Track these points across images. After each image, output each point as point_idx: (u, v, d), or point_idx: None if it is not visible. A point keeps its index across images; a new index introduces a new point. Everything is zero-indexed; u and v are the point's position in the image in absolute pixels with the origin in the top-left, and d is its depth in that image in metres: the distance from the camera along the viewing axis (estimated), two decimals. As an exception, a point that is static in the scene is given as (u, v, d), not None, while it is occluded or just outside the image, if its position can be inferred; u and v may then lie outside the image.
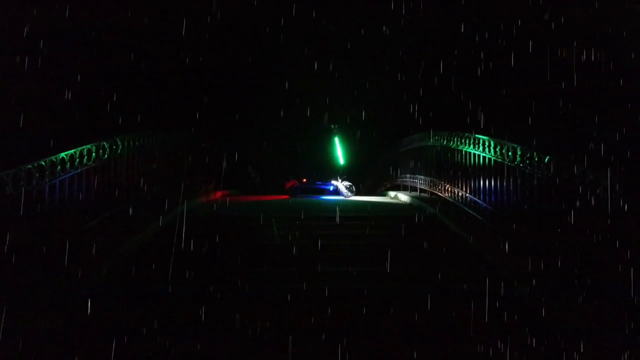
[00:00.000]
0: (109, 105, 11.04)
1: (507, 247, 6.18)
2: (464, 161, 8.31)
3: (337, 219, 8.28)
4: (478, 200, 7.76)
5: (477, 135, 7.77)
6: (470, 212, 7.88)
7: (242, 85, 16.38)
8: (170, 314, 5.01)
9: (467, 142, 8.13)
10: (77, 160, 6.19)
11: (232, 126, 16.86)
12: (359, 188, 14.87)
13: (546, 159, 5.93)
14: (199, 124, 13.86)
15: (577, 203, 5.27)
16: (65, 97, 9.57)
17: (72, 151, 6.11)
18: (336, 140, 14.47)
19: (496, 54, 13.55)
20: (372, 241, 7.04)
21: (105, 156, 6.83)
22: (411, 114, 15.26)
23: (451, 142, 8.85)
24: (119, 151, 7.25)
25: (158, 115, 12.91)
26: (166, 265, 5.98)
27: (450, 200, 8.93)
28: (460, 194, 8.56)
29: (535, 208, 6.14)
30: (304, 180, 13.66)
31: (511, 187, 6.69)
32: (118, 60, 12.07)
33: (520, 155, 6.45)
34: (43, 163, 5.58)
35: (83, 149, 6.31)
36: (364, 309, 5.08)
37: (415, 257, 6.53)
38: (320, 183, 13.83)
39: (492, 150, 7.22)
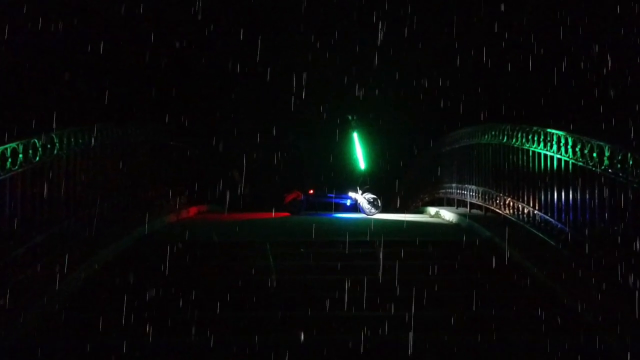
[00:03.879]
0: (42, 90, 11.04)
1: (592, 284, 6.08)
2: (531, 165, 8.27)
3: (358, 245, 8.21)
4: (550, 220, 7.71)
5: (549, 130, 7.69)
6: (540, 235, 7.86)
7: (226, 62, 16.37)
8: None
9: (535, 138, 8.06)
10: (-2, 163, 6.16)
11: (212, 118, 16.88)
12: (386, 202, 14.78)
13: (645, 163, 5.84)
14: (168, 115, 13.87)
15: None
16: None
17: (-10, 152, 6.10)
18: (355, 136, 14.35)
19: (577, 25, 13.49)
20: (406, 276, 6.96)
21: (37, 158, 6.80)
22: (458, 101, 15.20)
23: (514, 139, 8.78)
24: (55, 151, 7.23)
25: (111, 103, 12.93)
26: (118, 309, 5.92)
27: (513, 219, 8.90)
28: (525, 211, 8.51)
29: (630, 230, 6.04)
30: (311, 191, 13.59)
31: (596, 201, 6.62)
32: (56, 26, 12.10)
33: (609, 158, 6.36)
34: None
35: (6, 149, 6.27)
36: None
37: (466, 298, 6.45)
38: (332, 195, 13.74)
39: (569, 151, 7.16)
